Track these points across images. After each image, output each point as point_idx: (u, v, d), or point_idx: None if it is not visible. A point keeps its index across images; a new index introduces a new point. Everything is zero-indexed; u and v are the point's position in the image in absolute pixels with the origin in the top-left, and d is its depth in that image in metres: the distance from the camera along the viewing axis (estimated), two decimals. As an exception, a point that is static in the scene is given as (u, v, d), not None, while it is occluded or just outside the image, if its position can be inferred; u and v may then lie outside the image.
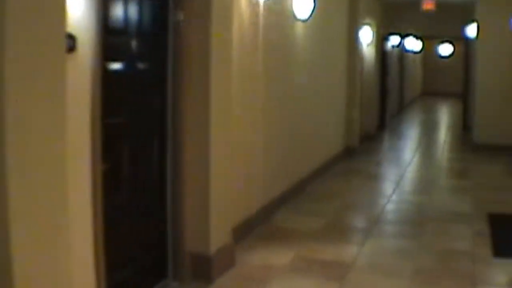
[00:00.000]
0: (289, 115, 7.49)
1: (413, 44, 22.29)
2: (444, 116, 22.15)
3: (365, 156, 11.29)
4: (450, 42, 28.18)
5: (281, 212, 7.03)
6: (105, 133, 3.82)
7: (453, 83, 28.08)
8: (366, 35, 12.45)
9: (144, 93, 4.59)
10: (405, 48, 21.11)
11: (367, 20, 12.46)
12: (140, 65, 4.55)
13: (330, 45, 9.61)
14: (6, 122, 2.53)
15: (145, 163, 4.66)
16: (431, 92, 29.56)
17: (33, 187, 2.71)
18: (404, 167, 10.41)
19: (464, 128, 15.68)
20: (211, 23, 4.80)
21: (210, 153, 4.88)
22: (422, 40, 23.68)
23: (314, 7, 7.75)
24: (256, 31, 6.13)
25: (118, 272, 4.18)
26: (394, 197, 8.16)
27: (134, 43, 4.41)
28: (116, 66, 4.20)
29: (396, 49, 18.36)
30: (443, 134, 16.47)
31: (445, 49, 29.06)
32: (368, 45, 12.92)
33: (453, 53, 28.93)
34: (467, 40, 15.27)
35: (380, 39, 14.64)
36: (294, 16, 7.47)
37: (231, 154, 5.27)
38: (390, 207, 7.63)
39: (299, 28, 7.73)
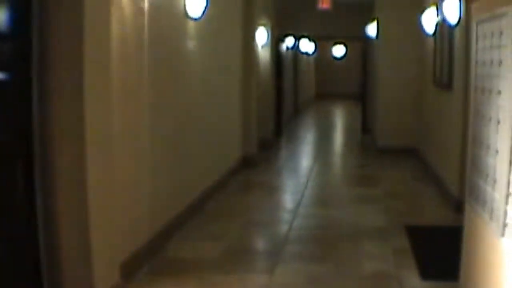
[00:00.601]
0: (180, 129, 6.62)
1: (307, 46, 22.00)
2: (341, 119, 21.86)
3: (264, 165, 10.55)
4: (343, 43, 28.21)
5: (176, 239, 6.13)
6: None
7: (348, 84, 28.17)
8: (261, 36, 11.77)
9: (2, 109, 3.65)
10: (300, 50, 20.75)
11: (262, 21, 11.78)
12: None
13: (224, 47, 8.82)
14: None
15: (4, 194, 3.70)
16: (325, 94, 29.47)
17: None
18: (307, 176, 9.74)
19: (363, 131, 15.30)
20: (83, 22, 3.91)
21: (87, 182, 3.97)
22: (315, 42, 23.46)
23: (207, 5, 6.95)
24: (140, 32, 5.23)
25: None
26: (300, 211, 7.45)
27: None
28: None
29: (291, 51, 17.87)
30: (342, 137, 16.06)
31: (339, 51, 29.03)
32: (263, 46, 12.23)
33: (345, 54, 28.98)
34: (365, 39, 14.87)
35: (275, 41, 14.03)
36: (186, 14, 6.63)
37: (112, 180, 4.36)
38: (297, 223, 6.90)
39: (191, 28, 6.89)
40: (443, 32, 8.55)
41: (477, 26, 4.01)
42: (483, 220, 3.84)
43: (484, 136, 3.83)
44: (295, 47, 18.94)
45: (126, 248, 4.87)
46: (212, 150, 8.06)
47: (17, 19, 3.77)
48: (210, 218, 7.04)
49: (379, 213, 7.38)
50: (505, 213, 3.36)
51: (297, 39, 17.81)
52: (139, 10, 5.19)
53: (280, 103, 14.63)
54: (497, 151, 3.55)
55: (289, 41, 16.18)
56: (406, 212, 7.42)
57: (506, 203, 3.34)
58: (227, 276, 5.19)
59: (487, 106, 3.78)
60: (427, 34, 9.85)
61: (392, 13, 11.48)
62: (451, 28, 7.77)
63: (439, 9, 8.92)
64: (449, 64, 8.08)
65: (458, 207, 7.35)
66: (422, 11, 10.03)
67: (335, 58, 29.54)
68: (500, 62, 3.49)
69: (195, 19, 6.89)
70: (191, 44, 6.94)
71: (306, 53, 24.12)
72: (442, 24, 8.59)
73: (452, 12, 7.47)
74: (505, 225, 3.38)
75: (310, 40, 20.81)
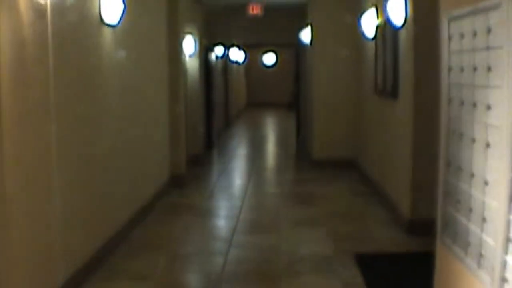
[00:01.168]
0: (97, 153, 5.67)
1: (237, 54, 21.28)
2: (274, 129, 21.11)
3: (194, 185, 9.64)
4: (274, 51, 27.62)
5: (96, 279, 5.21)
6: None
7: (279, 93, 27.57)
8: (188, 45, 10.90)
9: None
10: (230, 59, 19.99)
11: (189, 29, 10.91)
12: None
13: (148, 57, 7.90)
14: None
15: None
16: (257, 104, 28.79)
17: None
18: (241, 197, 8.88)
19: (298, 142, 14.58)
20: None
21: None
22: (244, 50, 22.75)
23: (124, 9, 6.06)
24: (42, 42, 4.30)
25: None
26: (236, 239, 6.60)
27: None
28: None
29: (220, 60, 17.05)
30: (277, 150, 15.27)
31: (269, 59, 28.40)
32: (191, 56, 11.36)
33: (276, 62, 28.40)
34: (298, 46, 14.14)
35: (204, 50, 13.18)
36: (101, 20, 5.71)
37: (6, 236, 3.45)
38: (233, 255, 6.04)
39: (108, 36, 5.97)
40: (385, 35, 7.87)
41: (449, 24, 3.25)
42: (465, 266, 3.07)
43: (465, 161, 3.06)
44: (225, 56, 18.13)
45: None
46: (136, 172, 7.14)
47: None
48: (135, 251, 6.10)
49: (323, 238, 6.60)
50: (504, 264, 2.59)
51: (227, 47, 17.01)
52: (40, 16, 4.25)
53: (211, 115, 13.77)
54: (486, 183, 2.78)
55: (219, 50, 15.34)
56: (353, 236, 6.67)
57: (506, 251, 2.57)
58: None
59: (468, 124, 3.02)
60: (366, 38, 9.15)
61: (327, 17, 10.75)
62: (396, 30, 7.08)
63: (379, 10, 8.25)
64: (393, 70, 7.39)
65: (410, 228, 6.67)
66: (361, 14, 9.33)
67: (266, 66, 28.86)
68: (488, 69, 2.73)
69: (112, 26, 5.99)
70: (108, 54, 6.02)
71: (237, 62, 23.37)
72: (384, 27, 7.91)
73: (397, 12, 6.77)
74: (503, 279, 2.61)
75: (240, 48, 20.04)
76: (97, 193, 5.64)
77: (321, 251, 6.14)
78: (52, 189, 4.45)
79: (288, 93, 23.48)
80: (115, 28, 6.10)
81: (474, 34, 2.88)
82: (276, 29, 14.30)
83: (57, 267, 4.54)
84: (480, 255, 2.83)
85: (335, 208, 8.00)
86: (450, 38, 3.23)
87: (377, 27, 8.41)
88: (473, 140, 2.93)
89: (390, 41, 7.53)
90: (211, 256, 6.15)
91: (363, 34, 9.24)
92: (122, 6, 6.01)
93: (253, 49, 25.09)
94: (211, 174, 11.07)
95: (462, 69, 3.08)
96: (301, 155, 12.91)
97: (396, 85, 7.26)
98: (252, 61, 28.25)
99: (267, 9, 12.65)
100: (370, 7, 8.65)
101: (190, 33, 11.04)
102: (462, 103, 3.10)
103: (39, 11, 4.26)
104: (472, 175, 2.96)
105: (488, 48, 2.72)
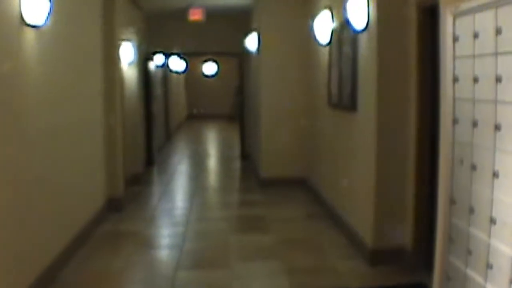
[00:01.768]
0: (21, 178, 4.75)
1: (177, 63, 20.43)
2: (217, 143, 20.22)
3: (134, 209, 8.70)
4: (214, 61, 26.83)
5: None
6: None
7: (221, 104, 26.81)
8: (127, 53, 10.00)
9: None
10: (170, 68, 19.13)
11: (128, 35, 10.02)
12: None
13: (80, 64, 6.98)
14: None
15: None
16: (198, 115, 27.93)
17: None
18: (184, 222, 7.96)
19: (243, 157, 13.78)
20: None
21: None
22: (185, 59, 21.88)
23: (51, 8, 5.18)
24: None
25: None
26: (179, 277, 5.72)
27: None
28: None
29: (160, 69, 16.16)
30: (220, 166, 14.39)
31: (209, 68, 27.56)
32: (129, 65, 10.46)
33: (217, 72, 27.61)
34: (243, 54, 13.35)
35: (143, 59, 12.29)
36: (22, 20, 4.81)
37: None
38: (175, 296, 5.19)
39: (31, 38, 5.06)
40: (342, 40, 7.14)
41: (455, 20, 2.49)
42: None
43: (479, 201, 2.31)
44: (165, 65, 17.24)
45: None
46: (67, 197, 6.22)
47: None
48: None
49: (277, 273, 5.78)
50: None
51: (167, 56, 16.12)
52: None
53: (151, 129, 12.84)
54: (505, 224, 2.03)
55: (159, 59, 14.43)
56: (311, 269, 5.88)
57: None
58: None
59: (485, 153, 2.26)
60: (320, 44, 8.40)
61: (275, 22, 9.98)
62: (355, 33, 6.34)
63: (334, 12, 7.53)
64: (352, 79, 6.66)
65: (374, 259, 5.93)
66: (313, 17, 8.58)
67: (207, 76, 27.99)
68: (499, 79, 1.97)
69: (36, 27, 5.09)
70: (30, 60, 5.09)
71: (177, 72, 22.47)
72: (340, 30, 7.18)
73: (358, 14, 6.04)
74: None
75: (180, 57, 19.13)
76: (20, 226, 4.71)
77: (277, 289, 5.35)
78: None
79: (230, 105, 22.69)
80: (40, 30, 5.20)
81: (498, 31, 2.12)
82: (220, 36, 13.45)
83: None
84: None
85: (289, 234, 7.21)
86: (456, 39, 2.47)
87: (332, 31, 7.69)
88: (495, 175, 2.17)
89: (348, 46, 6.80)
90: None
91: (316, 39, 8.49)
92: (48, 5, 5.11)
93: (194, 58, 24.25)
94: (152, 195, 10.13)
95: (475, 80, 2.32)
96: (247, 173, 12.10)
97: (355, 96, 6.54)
98: (193, 71, 27.37)
99: (210, 15, 11.83)
100: (324, 9, 7.92)
101: (128, 39, 10.15)
102: (474, 124, 2.35)
103: None
104: (491, 220, 2.20)
105: (495, 54, 1.97)
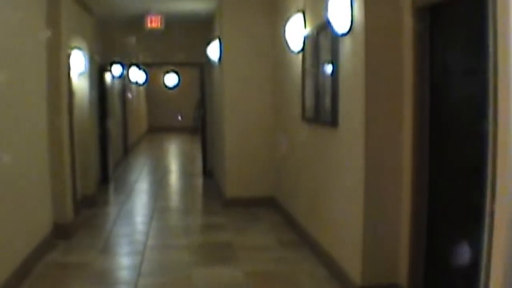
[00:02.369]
0: None
1: (137, 74, 19.52)
2: (178, 158, 19.27)
3: (85, 235, 7.73)
4: (175, 72, 25.99)
5: None
6: None
7: (182, 117, 26.01)
8: (77, 62, 9.05)
9: None
10: (129, 79, 18.22)
11: (78, 43, 9.08)
12: None
13: (20, 75, 6.05)
14: None
15: None
16: (159, 128, 27.01)
17: None
18: (140, 251, 7.01)
19: (205, 174, 12.90)
20: None
21: None
22: (145, 70, 20.98)
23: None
24: None
25: None
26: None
27: None
28: None
29: (118, 81, 15.23)
30: (182, 184, 13.45)
31: (171, 79, 26.69)
32: (80, 76, 9.51)
33: (178, 83, 26.76)
34: (205, 64, 12.47)
35: (98, 69, 11.35)
36: None
37: None
38: None
39: None
40: (318, 46, 6.32)
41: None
42: None
43: None
44: (124, 76, 16.31)
45: None
46: (5, 226, 5.28)
47: None
48: None
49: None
50: None
51: (126, 67, 15.20)
52: None
53: (106, 145, 11.87)
54: None
55: (116, 70, 13.49)
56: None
57: None
58: None
59: None
60: (291, 52, 7.57)
61: (239, 29, 9.15)
62: (337, 37, 5.52)
63: (307, 16, 6.74)
64: (332, 90, 5.84)
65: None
66: (284, 23, 7.76)
67: (167, 87, 27.08)
68: None
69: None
70: None
71: (137, 83, 21.52)
72: (316, 36, 6.37)
73: (340, 15, 5.23)
74: None
75: (139, 68, 18.22)
76: None
77: None
78: None
79: (192, 117, 21.83)
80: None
81: None
82: (180, 46, 12.58)
83: None
84: None
85: (260, 266, 6.33)
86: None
87: (305, 37, 6.88)
88: None
89: (326, 53, 5.99)
90: None
91: (287, 46, 7.66)
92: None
93: (155, 69, 23.38)
94: (106, 219, 9.14)
95: None
96: (210, 192, 11.21)
97: (335, 109, 5.72)
98: (154, 82, 26.46)
99: (169, 23, 10.98)
100: (296, 13, 7.11)
101: (79, 47, 9.21)
102: None
103: None
104: None
105: None
